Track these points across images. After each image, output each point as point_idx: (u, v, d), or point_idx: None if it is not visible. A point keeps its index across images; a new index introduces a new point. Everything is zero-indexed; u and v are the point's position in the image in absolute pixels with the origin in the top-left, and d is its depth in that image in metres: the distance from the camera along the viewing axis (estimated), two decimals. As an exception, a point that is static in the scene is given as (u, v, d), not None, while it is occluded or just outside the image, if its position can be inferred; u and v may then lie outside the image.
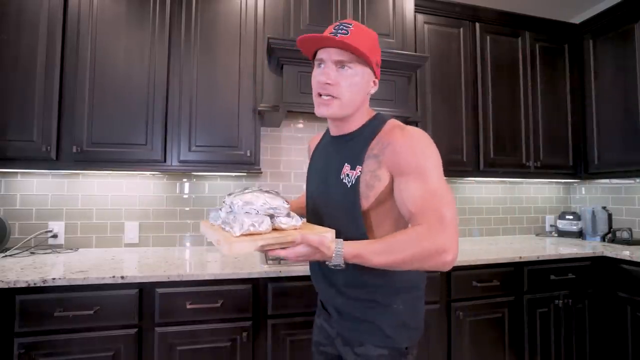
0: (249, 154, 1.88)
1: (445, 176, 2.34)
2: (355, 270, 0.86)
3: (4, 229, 1.77)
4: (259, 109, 1.86)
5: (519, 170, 2.42)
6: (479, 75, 2.35)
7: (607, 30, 2.37)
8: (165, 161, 1.81)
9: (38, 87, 1.68)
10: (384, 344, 0.90)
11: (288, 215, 0.84)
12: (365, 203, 0.87)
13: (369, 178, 0.86)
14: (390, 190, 0.86)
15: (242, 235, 0.77)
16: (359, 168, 0.87)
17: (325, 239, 0.75)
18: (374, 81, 0.92)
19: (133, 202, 2.06)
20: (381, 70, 1.94)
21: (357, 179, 0.86)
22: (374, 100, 1.95)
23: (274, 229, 0.82)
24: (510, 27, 2.44)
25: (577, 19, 2.78)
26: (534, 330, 1.93)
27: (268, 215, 0.81)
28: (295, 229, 0.83)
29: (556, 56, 2.54)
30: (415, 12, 2.20)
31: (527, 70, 2.46)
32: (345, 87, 0.85)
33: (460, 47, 2.33)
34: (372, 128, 0.91)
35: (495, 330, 1.86)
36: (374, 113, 0.96)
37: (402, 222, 0.91)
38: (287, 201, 0.84)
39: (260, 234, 0.78)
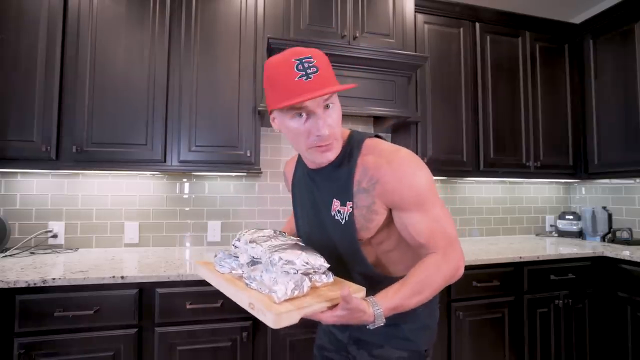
0: (249, 154, 1.88)
1: (445, 176, 2.37)
2: (375, 274, 0.87)
3: (4, 229, 1.77)
4: (259, 109, 1.86)
5: (519, 170, 2.42)
6: (479, 75, 2.35)
7: (607, 30, 2.37)
8: (165, 161, 1.81)
9: (38, 87, 1.68)
10: (404, 347, 0.90)
11: (325, 273, 0.78)
12: (365, 234, 0.85)
13: (366, 212, 0.83)
14: (389, 216, 0.84)
15: (285, 301, 0.68)
16: (349, 204, 0.84)
17: (364, 305, 0.71)
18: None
19: (133, 202, 2.06)
20: (381, 70, 1.97)
21: (350, 215, 0.83)
22: (375, 100, 1.96)
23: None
24: (510, 27, 2.44)
25: (577, 19, 2.78)
26: (534, 330, 1.93)
27: (305, 274, 0.74)
28: (326, 286, 0.77)
29: (556, 56, 2.54)
30: (415, 12, 2.20)
31: (527, 70, 2.46)
32: (336, 127, 0.80)
33: (460, 47, 2.32)
34: (351, 153, 0.85)
35: (495, 330, 1.86)
36: (347, 133, 0.90)
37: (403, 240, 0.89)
38: (325, 260, 0.78)
39: (300, 298, 0.70)
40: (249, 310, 0.70)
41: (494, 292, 1.86)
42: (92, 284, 1.37)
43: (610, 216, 2.45)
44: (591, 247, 2.21)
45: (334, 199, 0.87)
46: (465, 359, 1.79)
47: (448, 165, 2.24)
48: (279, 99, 0.75)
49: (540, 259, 1.94)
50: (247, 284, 0.76)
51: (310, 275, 0.75)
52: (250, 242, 0.84)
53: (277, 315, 0.64)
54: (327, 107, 0.78)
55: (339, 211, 0.86)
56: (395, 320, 0.88)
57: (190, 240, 2.12)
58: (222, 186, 2.19)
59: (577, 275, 2.02)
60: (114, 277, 1.38)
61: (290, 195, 1.10)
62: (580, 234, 2.57)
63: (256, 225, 2.21)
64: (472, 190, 2.67)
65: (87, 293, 1.37)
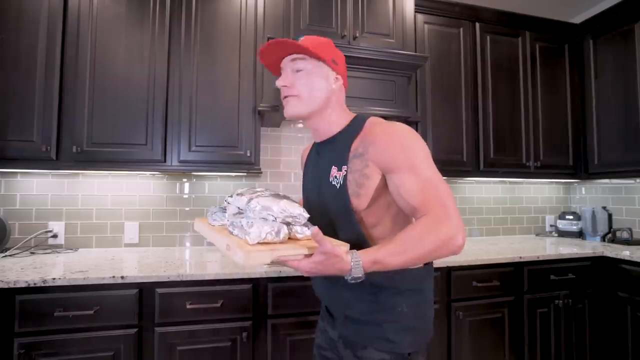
0: (249, 154, 1.88)
1: (445, 176, 2.36)
2: (365, 245, 0.86)
3: (4, 229, 1.77)
4: (259, 109, 1.86)
5: (519, 170, 2.42)
6: (479, 75, 2.35)
7: (607, 30, 2.37)
8: (165, 161, 1.81)
9: (38, 87, 1.68)
10: (387, 349, 0.87)
11: (305, 225, 0.79)
12: (358, 202, 0.87)
13: (358, 177, 0.86)
14: (383, 186, 0.86)
15: (259, 243, 0.71)
16: (344, 168, 0.88)
17: (340, 250, 0.71)
18: (336, 77, 0.94)
19: (133, 202, 2.06)
20: (381, 70, 1.97)
21: (345, 179, 0.88)
22: (375, 100, 1.96)
23: (289, 239, 0.77)
24: (510, 27, 2.44)
25: (577, 19, 2.78)
26: (534, 330, 1.93)
27: (284, 224, 0.75)
28: (308, 239, 0.78)
29: (556, 56, 2.54)
30: (415, 12, 2.20)
31: (527, 70, 2.46)
32: (301, 86, 0.91)
33: (460, 47, 2.33)
34: (354, 128, 0.93)
35: (495, 330, 1.86)
36: (354, 115, 0.98)
37: (401, 218, 0.91)
38: (305, 210, 0.80)
39: (276, 243, 0.72)
40: (225, 253, 0.74)
41: (494, 292, 1.86)
42: (92, 284, 1.37)
43: (610, 216, 2.45)
44: (591, 247, 2.21)
45: (333, 166, 0.92)
46: (465, 359, 1.79)
47: (448, 165, 2.24)
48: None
49: (540, 259, 1.94)
50: (230, 232, 0.79)
51: (290, 226, 0.76)
52: (237, 194, 0.88)
53: (246, 253, 0.66)
54: (298, 71, 0.91)
55: (335, 176, 0.91)
56: (378, 319, 0.89)
57: (190, 240, 2.12)
58: (222, 186, 2.19)
59: (577, 275, 2.02)
60: (114, 277, 1.38)
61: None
62: (580, 234, 2.57)
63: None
64: (472, 190, 2.67)
65: (87, 293, 1.37)
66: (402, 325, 0.89)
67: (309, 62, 0.91)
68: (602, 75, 2.41)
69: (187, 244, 2.12)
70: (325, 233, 0.86)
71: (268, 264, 0.71)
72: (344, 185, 0.87)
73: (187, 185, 2.14)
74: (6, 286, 1.29)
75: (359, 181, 0.86)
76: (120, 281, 1.39)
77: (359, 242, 0.87)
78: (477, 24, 2.37)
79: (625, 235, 2.31)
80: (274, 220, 0.74)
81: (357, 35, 1.98)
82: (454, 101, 2.29)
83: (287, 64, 0.93)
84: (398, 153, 0.82)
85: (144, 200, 2.08)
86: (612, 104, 2.34)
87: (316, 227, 0.70)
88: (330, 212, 0.92)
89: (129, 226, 2.04)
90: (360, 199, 0.86)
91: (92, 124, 1.73)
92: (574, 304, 2.00)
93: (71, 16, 1.74)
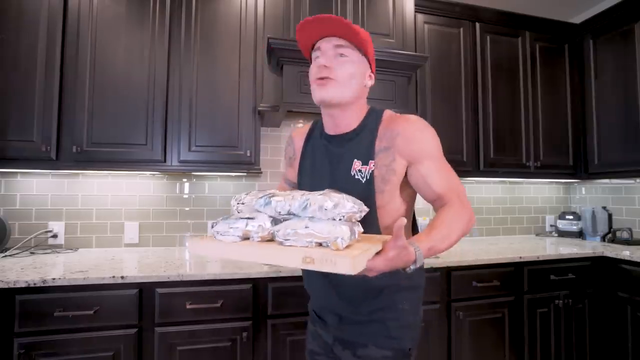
0: (249, 154, 1.88)
1: (445, 176, 2.35)
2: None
3: (4, 229, 1.77)
4: (259, 109, 1.86)
5: (519, 170, 2.42)
6: (479, 75, 2.35)
7: (607, 30, 2.37)
8: (165, 161, 1.81)
9: (38, 87, 1.68)
10: (389, 345, 0.89)
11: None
12: (381, 198, 0.87)
13: (385, 172, 0.87)
14: (403, 183, 0.89)
15: (345, 247, 0.62)
16: (372, 163, 0.87)
17: (406, 241, 0.68)
18: (369, 75, 0.93)
19: (133, 202, 2.06)
20: (381, 70, 1.97)
21: (372, 174, 0.87)
22: (375, 100, 1.95)
23: None
24: (510, 27, 2.44)
25: (577, 19, 2.78)
26: (534, 330, 1.93)
27: (350, 221, 0.68)
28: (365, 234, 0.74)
29: (556, 56, 2.54)
30: (415, 12, 2.20)
31: (527, 70, 2.46)
32: (341, 71, 0.87)
33: (460, 47, 2.32)
34: (373, 121, 0.92)
35: (495, 330, 1.86)
36: (367, 108, 0.97)
37: (407, 208, 0.94)
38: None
39: (354, 244, 0.65)
40: (304, 266, 0.62)
41: (494, 292, 1.86)
42: (92, 284, 1.37)
43: (610, 216, 2.45)
44: (591, 247, 2.21)
45: (355, 160, 0.90)
46: (465, 359, 1.79)
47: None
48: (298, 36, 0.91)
49: (540, 259, 1.94)
50: (280, 243, 0.67)
51: (354, 221, 0.69)
52: (271, 196, 0.73)
53: (353, 258, 0.58)
54: (340, 55, 0.86)
55: (359, 170, 0.89)
56: (381, 317, 0.89)
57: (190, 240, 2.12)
58: (222, 186, 2.19)
59: (577, 275, 2.02)
60: (114, 277, 1.38)
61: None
62: (580, 234, 2.57)
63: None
64: (472, 190, 2.67)
65: (87, 293, 1.37)
66: (403, 322, 0.91)
67: (355, 53, 0.88)
68: (602, 75, 2.41)
69: (187, 244, 2.11)
70: None
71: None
72: (370, 181, 0.87)
73: (187, 185, 2.14)
74: (6, 286, 1.29)
75: (386, 177, 0.87)
76: (120, 281, 1.39)
77: (373, 233, 0.88)
78: (477, 24, 2.37)
79: (625, 235, 2.31)
80: (341, 220, 0.66)
81: (357, 35, 1.98)
82: (454, 101, 2.29)
83: (328, 47, 0.87)
84: (424, 142, 0.87)
85: (144, 200, 2.08)
86: (612, 104, 2.34)
87: (403, 219, 0.65)
88: None
89: (129, 226, 2.04)
90: (383, 196, 0.87)
91: (92, 124, 1.73)
92: (574, 304, 2.00)
93: (71, 16, 1.74)
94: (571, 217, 2.61)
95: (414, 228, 1.02)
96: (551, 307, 1.96)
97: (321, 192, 0.71)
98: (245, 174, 2.12)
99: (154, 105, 1.80)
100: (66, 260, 1.67)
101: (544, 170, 2.47)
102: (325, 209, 0.66)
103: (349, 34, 0.85)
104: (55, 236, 1.94)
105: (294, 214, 0.70)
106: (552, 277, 1.96)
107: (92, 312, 1.36)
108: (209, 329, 1.47)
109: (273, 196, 0.72)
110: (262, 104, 1.87)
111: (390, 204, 0.89)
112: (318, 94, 0.88)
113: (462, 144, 2.28)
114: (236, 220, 0.72)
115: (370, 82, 0.94)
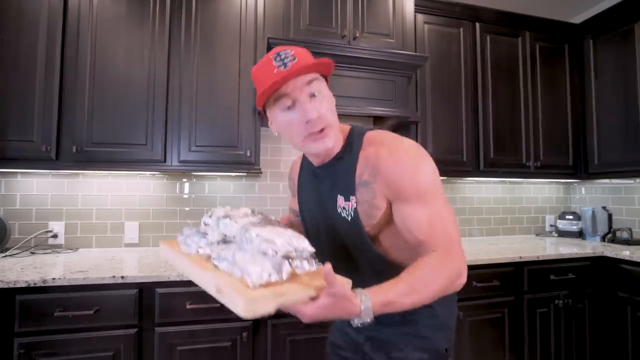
0: (249, 154, 1.88)
1: (445, 176, 2.37)
2: (394, 271, 0.78)
3: (4, 229, 1.77)
4: (259, 109, 1.85)
5: (519, 170, 2.42)
6: (479, 75, 2.35)
7: (607, 30, 2.37)
8: (165, 161, 1.81)
9: (38, 87, 1.68)
10: (425, 347, 0.87)
11: (307, 259, 0.66)
12: (371, 229, 0.82)
13: (367, 208, 0.80)
14: (390, 213, 0.81)
15: (260, 286, 0.57)
16: (353, 199, 0.81)
17: (351, 292, 0.61)
18: (329, 90, 0.84)
19: (133, 202, 2.06)
20: (381, 70, 1.97)
21: (355, 211, 0.81)
22: (375, 100, 1.96)
23: None
24: (510, 27, 2.44)
25: (577, 19, 2.78)
26: (534, 330, 1.93)
27: (285, 257, 0.63)
28: (308, 274, 0.65)
29: (556, 56, 2.54)
30: (415, 12, 2.20)
31: (527, 70, 2.46)
32: (327, 113, 0.77)
33: (460, 47, 2.32)
34: (352, 147, 0.84)
35: (495, 330, 1.86)
36: (347, 128, 0.88)
37: None
38: (310, 243, 0.69)
39: (278, 284, 0.59)
40: (216, 296, 0.59)
41: (494, 292, 1.86)
42: (92, 284, 1.37)
43: (610, 216, 2.45)
44: (591, 247, 2.21)
45: (338, 195, 0.84)
46: (465, 359, 1.79)
47: (448, 165, 2.24)
48: (260, 92, 0.76)
49: (540, 259, 1.94)
50: (215, 265, 0.65)
51: (290, 260, 0.63)
52: (224, 217, 0.72)
53: (249, 300, 0.52)
54: (313, 95, 0.76)
55: (344, 208, 0.83)
56: (416, 318, 0.87)
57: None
58: (222, 186, 2.19)
59: (577, 275, 2.02)
60: (114, 277, 1.38)
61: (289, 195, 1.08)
62: (580, 234, 2.57)
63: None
64: (472, 190, 2.67)
65: (87, 293, 1.37)
66: (438, 323, 0.89)
67: (320, 81, 0.78)
68: (602, 75, 2.41)
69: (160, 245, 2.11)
70: (338, 255, 0.83)
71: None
72: (355, 218, 0.81)
73: (187, 185, 2.14)
74: (6, 286, 1.29)
75: (369, 212, 0.80)
76: (120, 281, 1.39)
77: (378, 261, 0.84)
78: (477, 24, 2.37)
79: (625, 235, 2.31)
80: (274, 255, 0.61)
81: (357, 35, 1.98)
82: (454, 101, 2.29)
83: (300, 88, 0.75)
84: (407, 180, 0.75)
85: (144, 200, 2.08)
86: (612, 104, 2.34)
87: (328, 265, 0.58)
88: (343, 239, 0.87)
89: (129, 226, 2.04)
90: (373, 227, 0.82)
91: (92, 124, 1.73)
92: (574, 304, 2.00)
93: (71, 16, 1.74)
94: (571, 217, 2.61)
95: None
96: (551, 307, 1.96)
97: (275, 224, 0.70)
98: (245, 174, 2.12)
99: (154, 105, 1.80)
100: (66, 260, 1.68)
101: (544, 170, 2.47)
102: (251, 241, 0.64)
103: (315, 70, 0.77)
104: (55, 236, 1.94)
105: (235, 239, 0.70)
106: (552, 277, 1.96)
107: (92, 312, 1.36)
108: (209, 329, 1.47)
109: (225, 217, 0.72)
110: (262, 104, 1.86)
111: (385, 231, 0.83)
112: (318, 147, 0.79)
113: (462, 144, 2.28)
114: (196, 234, 0.77)
115: (333, 99, 0.84)
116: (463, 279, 0.74)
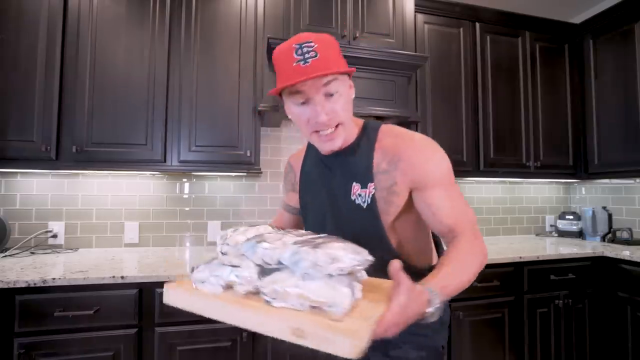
0: (249, 154, 1.88)
1: (445, 176, 2.35)
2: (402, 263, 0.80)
3: (4, 229, 1.77)
4: (259, 109, 1.86)
5: (519, 170, 2.42)
6: (479, 75, 2.35)
7: (607, 30, 2.37)
8: (165, 161, 1.81)
9: (38, 87, 1.67)
10: (424, 344, 0.87)
11: (365, 269, 0.62)
12: (386, 219, 0.83)
13: (386, 195, 0.81)
14: (408, 201, 0.82)
15: (344, 315, 0.51)
16: (371, 185, 0.82)
17: (414, 283, 0.57)
18: (350, 85, 0.84)
19: (133, 202, 2.06)
20: (381, 70, 1.97)
21: (373, 197, 0.82)
22: (375, 100, 1.96)
23: None
24: (510, 27, 2.44)
25: (577, 19, 2.78)
26: (534, 330, 1.93)
27: (350, 274, 0.57)
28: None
29: (556, 56, 2.54)
30: (415, 12, 2.20)
31: (527, 70, 2.46)
32: (341, 112, 0.79)
33: (460, 47, 2.32)
34: (368, 138, 0.86)
35: (495, 330, 1.86)
36: (361, 122, 0.90)
37: (422, 223, 0.88)
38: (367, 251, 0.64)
39: (356, 307, 0.54)
40: (293, 340, 0.51)
41: (494, 292, 1.86)
42: (92, 284, 1.37)
43: (610, 216, 2.45)
44: (591, 247, 2.21)
45: (354, 183, 0.84)
46: (465, 359, 1.79)
47: (448, 165, 2.23)
48: (278, 83, 0.77)
49: (540, 259, 1.94)
50: (267, 302, 0.56)
51: (354, 275, 0.58)
52: (257, 241, 0.61)
53: (355, 336, 0.45)
54: (330, 95, 0.76)
55: (359, 194, 0.83)
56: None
57: (190, 240, 2.12)
58: (222, 186, 2.19)
59: (577, 275, 2.02)
60: (114, 277, 1.38)
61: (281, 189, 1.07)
62: (580, 234, 2.57)
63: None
64: (472, 190, 2.67)
65: (87, 293, 1.37)
66: (438, 321, 0.88)
67: (340, 80, 0.78)
68: (602, 75, 2.41)
69: (187, 244, 2.12)
70: None
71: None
72: (372, 205, 0.82)
73: (187, 185, 2.14)
74: (6, 286, 1.29)
75: (388, 199, 0.81)
76: (120, 281, 1.39)
77: (390, 257, 0.82)
78: (477, 24, 2.37)
79: (625, 235, 2.31)
80: (339, 274, 0.55)
81: (357, 35, 1.98)
82: (454, 101, 2.29)
83: (317, 88, 0.75)
84: (431, 168, 0.79)
85: (144, 200, 2.08)
86: (612, 104, 2.34)
87: (397, 262, 0.56)
88: (354, 230, 0.84)
89: (129, 226, 2.04)
90: (389, 216, 0.82)
91: (92, 124, 1.73)
92: (574, 304, 2.00)
93: (71, 16, 1.74)
94: (571, 217, 2.61)
95: (437, 246, 0.98)
96: (551, 307, 1.96)
97: (320, 237, 0.62)
98: (245, 174, 2.12)
99: (154, 105, 1.80)
100: (66, 260, 1.67)
101: (544, 170, 2.47)
102: (320, 266, 0.54)
103: (332, 73, 0.76)
104: (55, 236, 1.94)
105: (283, 265, 0.59)
106: (552, 277, 1.96)
107: (92, 312, 1.36)
108: (209, 329, 1.47)
109: (261, 242, 0.61)
110: (262, 104, 1.87)
111: (400, 222, 0.84)
112: (328, 147, 0.82)
113: (462, 144, 2.28)
114: (219, 267, 0.63)
115: (353, 92, 0.85)
116: (486, 253, 0.77)
